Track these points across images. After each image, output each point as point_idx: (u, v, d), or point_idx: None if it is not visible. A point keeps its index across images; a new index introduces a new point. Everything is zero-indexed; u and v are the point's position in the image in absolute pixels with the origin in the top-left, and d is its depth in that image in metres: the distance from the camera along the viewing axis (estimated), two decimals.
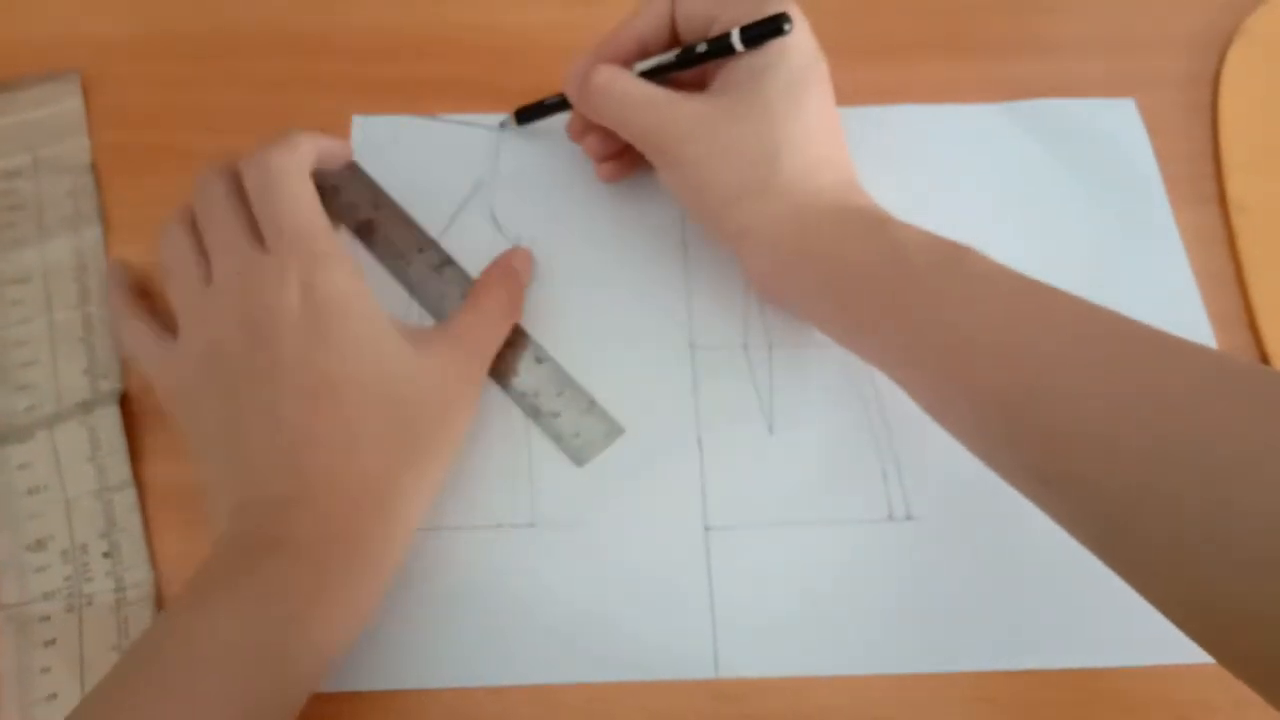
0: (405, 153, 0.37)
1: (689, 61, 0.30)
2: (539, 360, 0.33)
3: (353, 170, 0.35)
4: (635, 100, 0.30)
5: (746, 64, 0.29)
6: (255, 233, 0.29)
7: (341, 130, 0.37)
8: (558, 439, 0.31)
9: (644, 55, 0.32)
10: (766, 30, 0.28)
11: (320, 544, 0.25)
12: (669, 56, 0.31)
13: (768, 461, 0.31)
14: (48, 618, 0.29)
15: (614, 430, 0.32)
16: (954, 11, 0.39)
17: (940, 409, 0.27)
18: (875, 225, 0.28)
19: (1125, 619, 0.29)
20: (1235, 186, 0.36)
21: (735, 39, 0.29)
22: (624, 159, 0.35)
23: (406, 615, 0.29)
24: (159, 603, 0.29)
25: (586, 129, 0.34)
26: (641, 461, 0.31)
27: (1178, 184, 0.36)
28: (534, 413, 0.32)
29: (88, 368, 0.32)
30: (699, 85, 0.31)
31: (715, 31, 0.30)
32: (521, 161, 0.37)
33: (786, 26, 0.28)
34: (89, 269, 0.34)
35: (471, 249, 0.35)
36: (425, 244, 0.35)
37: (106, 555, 0.29)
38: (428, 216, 0.35)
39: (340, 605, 0.25)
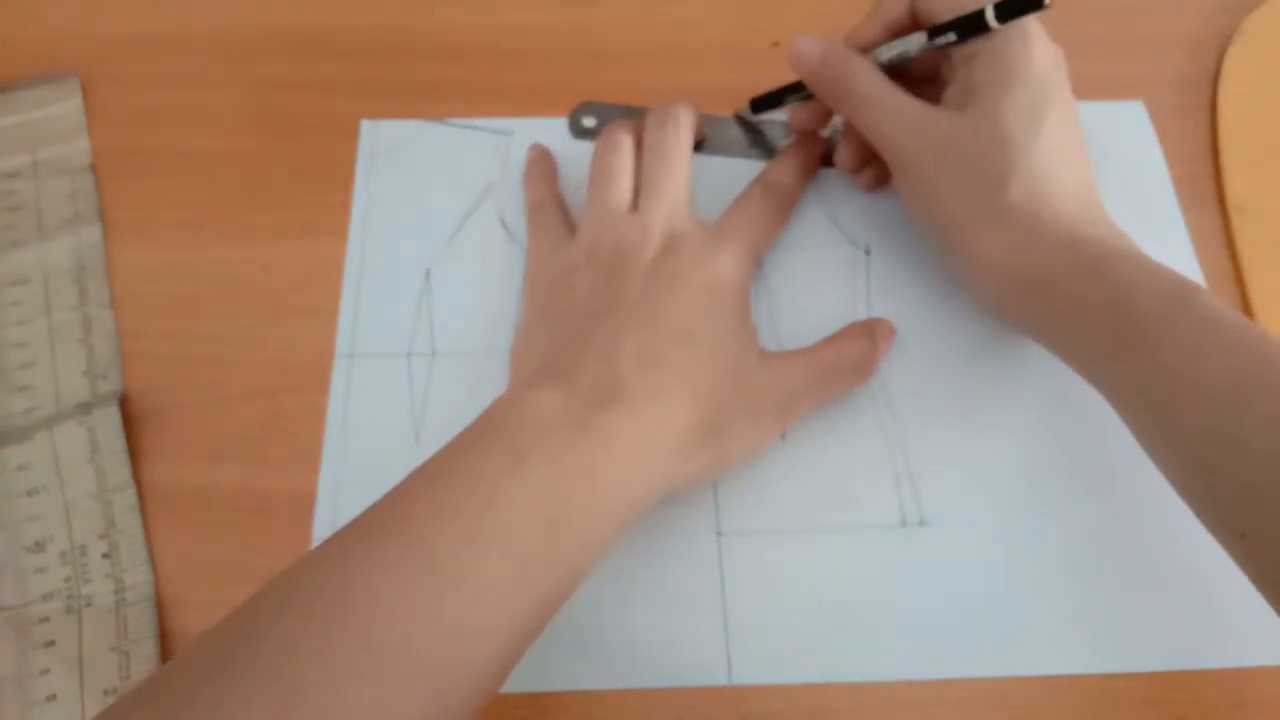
0: (414, 157, 0.37)
1: (937, 40, 0.29)
2: None
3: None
4: (872, 99, 0.30)
5: (984, 75, 0.29)
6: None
7: (346, 132, 0.37)
8: None
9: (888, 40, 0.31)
10: (1025, 6, 0.27)
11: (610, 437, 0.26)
12: (915, 39, 0.30)
13: (780, 467, 0.31)
14: (47, 619, 0.28)
15: None
16: None
17: (1152, 452, 0.27)
18: (1103, 262, 0.27)
19: (1132, 626, 0.29)
20: (1234, 187, 0.36)
21: (990, 15, 0.27)
22: (879, 165, 0.33)
23: None
24: (158, 603, 0.29)
25: (821, 126, 0.34)
26: None
27: (1177, 184, 0.36)
28: None
29: (87, 369, 0.32)
30: (932, 86, 0.31)
31: (968, 10, 0.28)
32: None
33: (1047, 1, 0.26)
34: (88, 270, 0.34)
35: (481, 253, 0.35)
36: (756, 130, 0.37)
37: (106, 556, 0.29)
38: (437, 221, 0.35)
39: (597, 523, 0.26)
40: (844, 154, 0.34)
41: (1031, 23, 0.29)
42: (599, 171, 0.32)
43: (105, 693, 0.27)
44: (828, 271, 0.34)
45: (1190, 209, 0.36)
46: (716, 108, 0.37)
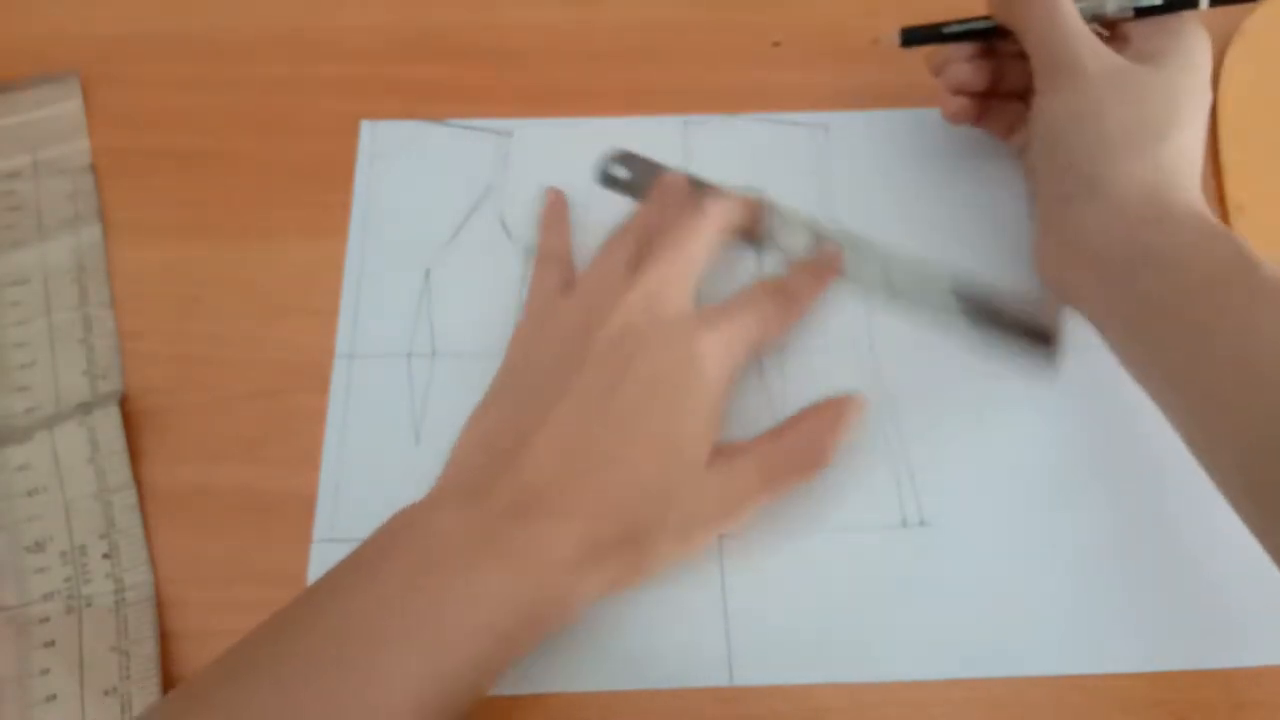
0: (414, 158, 0.37)
1: (1141, 3, 0.30)
2: None
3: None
4: (1063, 15, 0.30)
5: (1167, 51, 0.30)
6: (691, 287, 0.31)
7: (346, 132, 0.37)
8: None
9: None
10: None
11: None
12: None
13: None
14: (47, 619, 0.28)
15: None
16: (952, 15, 0.39)
17: (1201, 433, 0.27)
18: (1212, 229, 0.28)
19: (1133, 626, 0.29)
20: (1234, 187, 0.36)
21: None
22: (977, 103, 0.33)
23: None
24: (158, 604, 0.29)
25: (952, 61, 0.33)
26: None
27: None
28: None
29: (87, 369, 0.32)
30: None
31: None
32: (531, 167, 0.36)
33: None
34: (88, 270, 0.34)
35: (481, 254, 0.35)
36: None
37: (106, 556, 0.29)
38: (437, 221, 0.35)
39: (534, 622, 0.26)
40: (959, 72, 0.33)
41: (1208, 45, 0.30)
42: (608, 241, 0.32)
43: (105, 693, 0.27)
44: None
45: None
46: (716, 108, 0.37)
